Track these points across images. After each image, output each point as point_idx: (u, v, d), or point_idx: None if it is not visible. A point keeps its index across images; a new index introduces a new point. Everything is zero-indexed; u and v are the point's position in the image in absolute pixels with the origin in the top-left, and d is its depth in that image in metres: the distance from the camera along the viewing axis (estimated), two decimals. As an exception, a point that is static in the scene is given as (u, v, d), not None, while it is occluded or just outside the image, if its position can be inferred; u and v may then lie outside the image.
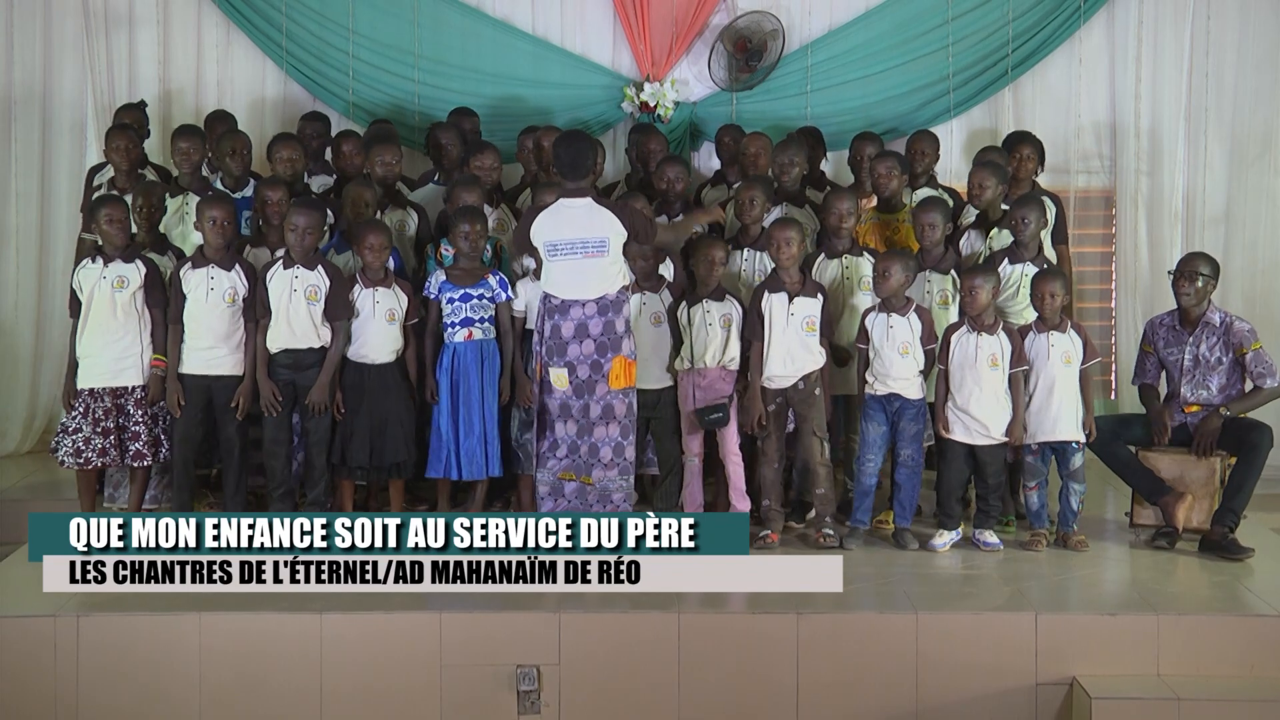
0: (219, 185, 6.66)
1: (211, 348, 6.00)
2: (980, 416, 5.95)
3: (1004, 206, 6.46)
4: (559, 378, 5.72)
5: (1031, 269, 6.21)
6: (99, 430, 5.95)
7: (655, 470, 6.30)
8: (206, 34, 7.92)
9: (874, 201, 6.76)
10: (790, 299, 6.02)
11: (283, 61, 7.87)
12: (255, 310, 6.02)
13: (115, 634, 5.11)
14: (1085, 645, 5.14)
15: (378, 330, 6.08)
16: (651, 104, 7.77)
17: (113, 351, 5.98)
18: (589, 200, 5.74)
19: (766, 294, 6.05)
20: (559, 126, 7.44)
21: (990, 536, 6.05)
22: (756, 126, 7.44)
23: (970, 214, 6.63)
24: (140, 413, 6.01)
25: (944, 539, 6.04)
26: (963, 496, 6.17)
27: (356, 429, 6.06)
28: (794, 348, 6.02)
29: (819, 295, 6.08)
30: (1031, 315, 6.15)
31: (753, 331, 6.05)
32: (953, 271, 6.29)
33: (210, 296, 5.97)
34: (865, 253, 6.32)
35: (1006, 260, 6.24)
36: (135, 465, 6.05)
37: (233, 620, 5.12)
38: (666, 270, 6.22)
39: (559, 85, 7.90)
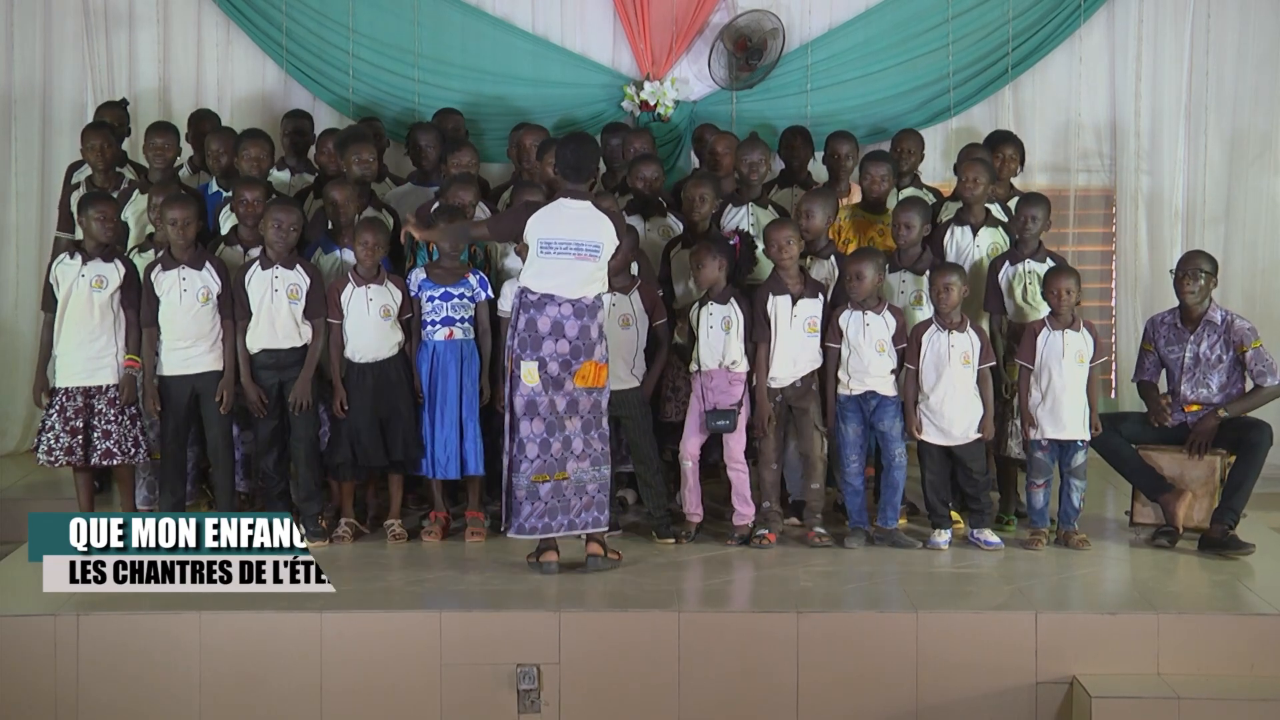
0: (216, 186, 6.66)
1: (190, 346, 5.97)
2: (953, 415, 5.96)
3: (988, 205, 6.46)
4: (529, 372, 5.64)
5: (1033, 264, 6.21)
6: (67, 429, 5.92)
7: (628, 468, 6.31)
8: (206, 33, 7.90)
9: (855, 197, 6.75)
10: (794, 301, 6.02)
11: (283, 60, 7.86)
12: (233, 310, 5.99)
13: (115, 634, 5.10)
14: (1085, 644, 5.14)
15: (373, 327, 6.05)
16: (651, 103, 7.75)
17: (87, 351, 5.93)
18: (589, 204, 5.72)
19: (771, 296, 6.04)
20: (560, 125, 7.45)
21: (990, 535, 6.05)
22: (756, 125, 7.44)
23: (949, 209, 6.61)
24: (113, 412, 5.96)
25: (944, 536, 6.04)
26: (948, 496, 6.14)
27: (364, 427, 6.03)
28: (797, 350, 6.03)
29: (819, 295, 6.08)
30: (1038, 313, 6.15)
31: (759, 334, 6.04)
32: (928, 272, 6.29)
33: (184, 298, 5.93)
34: (833, 255, 6.29)
35: (1007, 262, 6.25)
36: (105, 464, 6.01)
37: (233, 620, 5.11)
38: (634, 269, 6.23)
39: (559, 84, 7.89)
